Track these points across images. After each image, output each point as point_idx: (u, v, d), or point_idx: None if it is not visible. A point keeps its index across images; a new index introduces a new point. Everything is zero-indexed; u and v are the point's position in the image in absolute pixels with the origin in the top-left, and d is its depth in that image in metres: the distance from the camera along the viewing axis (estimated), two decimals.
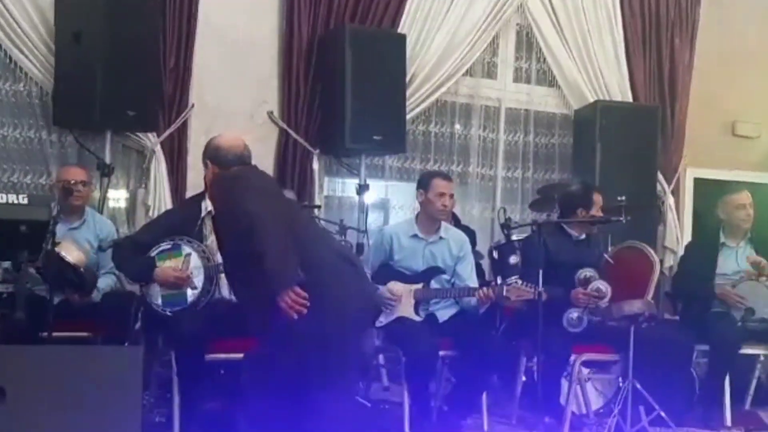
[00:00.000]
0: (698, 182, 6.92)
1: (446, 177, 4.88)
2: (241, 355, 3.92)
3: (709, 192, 6.23)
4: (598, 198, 4.99)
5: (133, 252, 4.37)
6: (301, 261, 3.49)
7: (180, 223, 4.37)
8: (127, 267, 4.45)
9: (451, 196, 4.76)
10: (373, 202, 6.26)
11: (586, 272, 4.73)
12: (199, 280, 4.24)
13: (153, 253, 4.29)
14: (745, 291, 5.07)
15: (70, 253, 4.38)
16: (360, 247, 5.61)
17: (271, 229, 3.42)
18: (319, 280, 3.53)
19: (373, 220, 6.18)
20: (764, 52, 7.01)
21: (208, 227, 4.38)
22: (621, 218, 5.09)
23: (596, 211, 4.95)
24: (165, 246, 4.29)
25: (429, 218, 4.77)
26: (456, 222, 5.61)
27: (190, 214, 4.39)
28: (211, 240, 4.36)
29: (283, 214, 3.55)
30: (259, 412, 3.64)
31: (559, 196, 5.37)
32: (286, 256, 3.44)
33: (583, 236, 5.02)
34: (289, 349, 3.53)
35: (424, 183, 4.78)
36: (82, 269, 4.40)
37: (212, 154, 4.09)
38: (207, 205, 4.36)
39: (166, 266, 4.25)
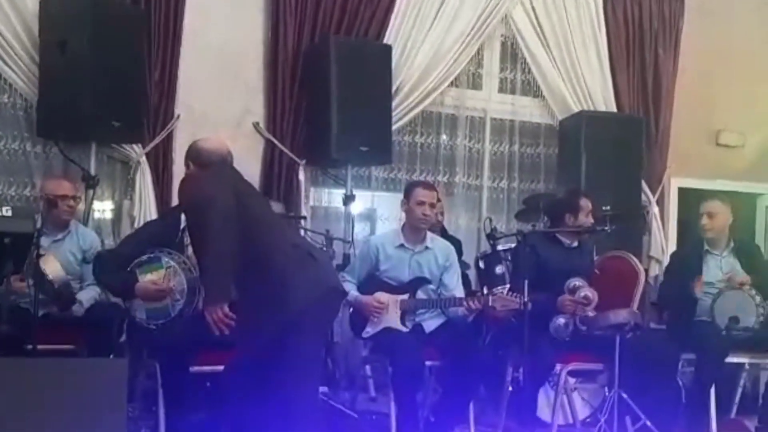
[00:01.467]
0: (682, 191, 6.95)
1: (428, 186, 4.90)
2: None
3: (693, 201, 6.25)
4: (586, 203, 4.99)
5: (115, 265, 4.35)
6: (254, 249, 3.57)
7: (161, 234, 4.37)
8: (108, 282, 4.44)
9: (432, 205, 4.76)
10: (360, 212, 6.27)
11: (576, 281, 4.75)
12: (181, 292, 4.22)
13: (133, 266, 4.27)
14: (729, 300, 5.08)
15: (49, 267, 4.36)
16: (347, 258, 5.61)
17: (224, 222, 3.46)
18: (270, 267, 3.59)
19: (360, 230, 6.19)
20: (747, 61, 7.06)
21: (188, 238, 4.37)
22: (606, 228, 5.12)
23: (585, 216, 4.95)
24: (145, 258, 4.27)
25: (413, 228, 4.78)
26: (443, 233, 5.62)
27: (170, 225, 4.39)
28: (192, 251, 4.35)
29: (241, 203, 3.59)
30: (242, 422, 3.65)
31: (546, 203, 5.39)
32: (227, 266, 3.49)
33: (576, 244, 5.03)
34: (250, 338, 3.61)
35: (407, 192, 4.80)
36: (56, 285, 4.37)
37: (194, 155, 4.05)
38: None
39: (147, 280, 4.23)
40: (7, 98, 5.33)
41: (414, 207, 4.72)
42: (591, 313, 4.69)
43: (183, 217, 4.33)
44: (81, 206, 5.20)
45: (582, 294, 4.69)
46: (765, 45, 7.19)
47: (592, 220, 4.97)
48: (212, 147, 4.03)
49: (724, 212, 5.30)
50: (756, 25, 7.15)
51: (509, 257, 5.32)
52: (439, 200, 5.78)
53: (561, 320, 4.71)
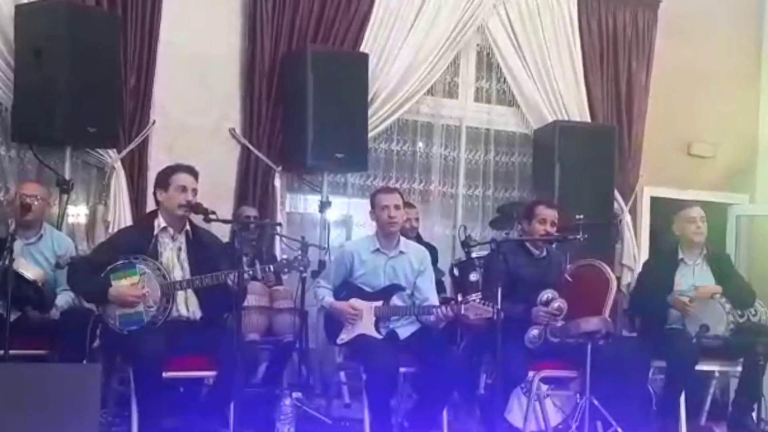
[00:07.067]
0: (655, 201, 7.03)
1: (388, 190, 4.98)
2: (198, 373, 3.91)
3: (665, 210, 6.33)
4: (543, 211, 5.03)
5: (88, 272, 4.33)
6: None
7: (134, 241, 4.37)
8: (82, 288, 4.42)
9: (397, 206, 4.78)
10: (335, 219, 6.27)
11: (548, 294, 4.81)
12: (155, 298, 4.22)
13: (107, 271, 4.26)
14: (699, 308, 5.14)
15: (28, 270, 4.35)
16: (322, 265, 5.61)
17: None
18: None
19: (335, 237, 6.19)
20: (719, 73, 7.16)
21: (161, 244, 4.38)
22: (579, 236, 5.16)
23: (541, 224, 4.99)
24: (119, 263, 4.26)
25: (384, 233, 4.81)
26: (419, 240, 5.65)
27: (143, 233, 4.39)
28: (166, 257, 4.36)
29: None
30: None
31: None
32: None
33: (544, 254, 5.08)
34: None
35: (371, 201, 4.86)
36: (40, 284, 4.37)
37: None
38: (159, 223, 4.39)
39: (121, 286, 4.22)
40: None
41: (379, 213, 4.77)
42: (560, 323, 4.74)
43: (155, 224, 4.36)
44: (55, 211, 5.19)
45: (555, 305, 4.75)
46: (737, 57, 7.30)
47: (550, 229, 4.98)
48: None
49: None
50: (727, 38, 7.26)
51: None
52: (413, 206, 5.83)
53: (534, 331, 4.77)
